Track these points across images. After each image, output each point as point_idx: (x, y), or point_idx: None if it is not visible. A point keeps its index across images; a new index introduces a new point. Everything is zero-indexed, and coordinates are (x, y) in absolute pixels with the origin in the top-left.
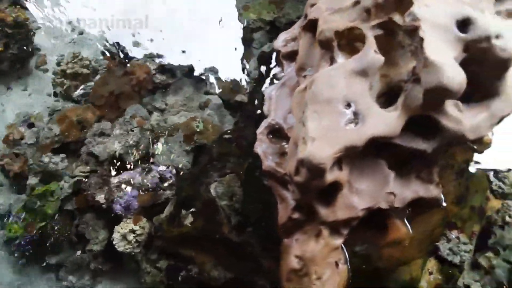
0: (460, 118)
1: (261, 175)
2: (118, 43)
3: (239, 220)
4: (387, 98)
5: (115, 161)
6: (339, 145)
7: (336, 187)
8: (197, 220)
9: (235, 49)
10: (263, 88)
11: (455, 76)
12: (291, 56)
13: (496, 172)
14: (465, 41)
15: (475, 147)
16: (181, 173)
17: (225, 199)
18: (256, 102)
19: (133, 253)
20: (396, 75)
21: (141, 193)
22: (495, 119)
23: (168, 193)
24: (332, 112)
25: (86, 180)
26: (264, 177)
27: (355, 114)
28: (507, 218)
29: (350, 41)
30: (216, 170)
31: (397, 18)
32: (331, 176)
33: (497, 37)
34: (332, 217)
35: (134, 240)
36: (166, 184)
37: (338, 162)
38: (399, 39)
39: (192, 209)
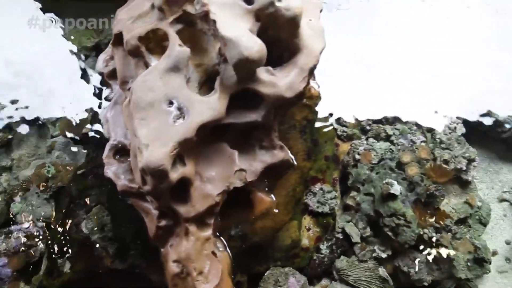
0: (274, 81)
1: (121, 196)
2: None
3: (117, 248)
4: (210, 85)
5: None
6: (172, 142)
7: (186, 182)
8: (76, 264)
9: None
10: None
11: (252, 46)
12: (114, 74)
13: (338, 119)
14: (253, 11)
15: (307, 102)
16: (47, 223)
17: (97, 232)
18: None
19: None
20: (209, 61)
21: (10, 258)
22: (305, 72)
23: (39, 248)
24: (158, 114)
25: None
26: (125, 197)
27: (180, 109)
28: (357, 156)
29: (158, 42)
30: (81, 207)
31: (189, 8)
32: (176, 174)
33: (279, 0)
34: (192, 212)
35: None
36: (35, 240)
37: (180, 159)
38: (199, 27)
39: (68, 255)
